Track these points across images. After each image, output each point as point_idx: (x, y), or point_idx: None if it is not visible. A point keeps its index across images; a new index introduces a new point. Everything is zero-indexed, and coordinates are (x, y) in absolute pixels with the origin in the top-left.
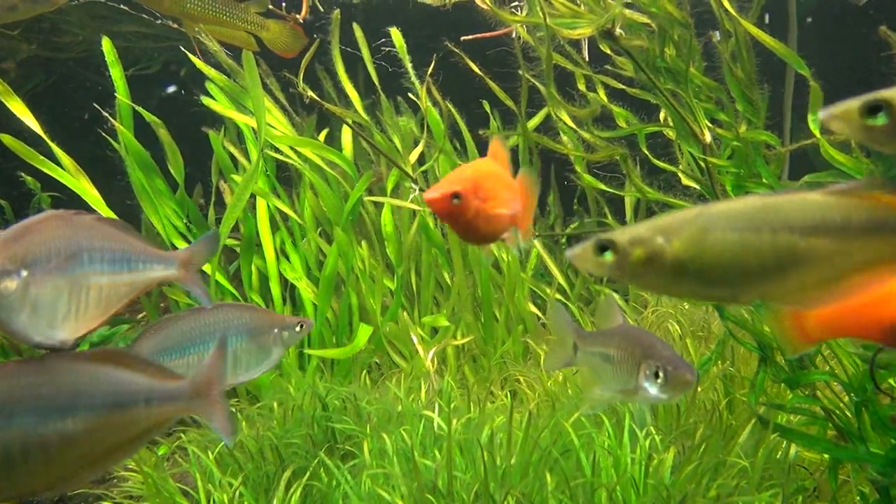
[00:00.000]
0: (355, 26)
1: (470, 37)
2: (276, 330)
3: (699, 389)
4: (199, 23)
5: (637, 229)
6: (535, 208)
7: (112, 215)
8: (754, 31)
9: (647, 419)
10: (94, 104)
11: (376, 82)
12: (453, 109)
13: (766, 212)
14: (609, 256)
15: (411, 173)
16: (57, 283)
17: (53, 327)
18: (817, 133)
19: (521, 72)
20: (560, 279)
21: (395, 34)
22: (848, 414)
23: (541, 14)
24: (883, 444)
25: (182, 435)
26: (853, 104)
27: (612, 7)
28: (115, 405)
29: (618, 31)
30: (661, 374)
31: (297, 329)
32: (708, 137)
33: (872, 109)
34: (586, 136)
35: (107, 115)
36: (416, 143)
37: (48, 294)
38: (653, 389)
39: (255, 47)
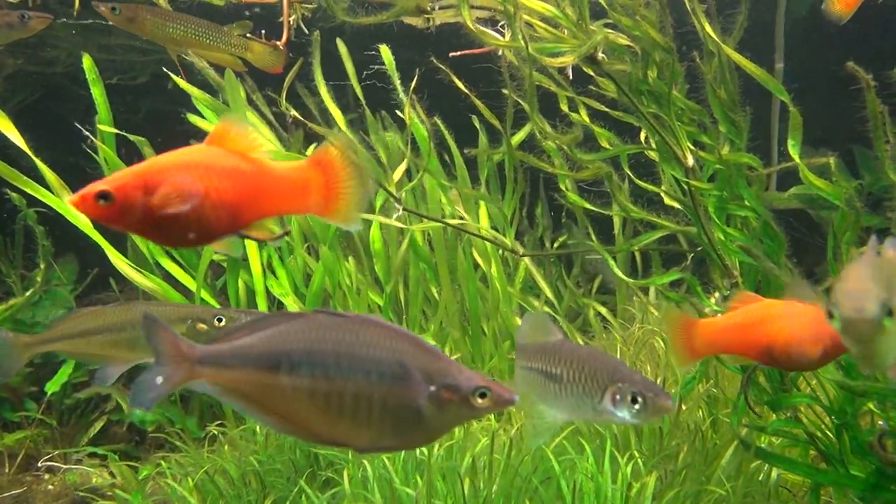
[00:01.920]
0: (339, 42)
1: (458, 53)
2: None
3: (683, 408)
4: (182, 47)
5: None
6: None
7: (98, 236)
8: (735, 56)
9: None
10: (75, 122)
11: (361, 99)
12: (441, 125)
13: None
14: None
15: (398, 190)
16: None
17: None
18: (797, 157)
19: (505, 91)
20: (548, 292)
21: (385, 51)
22: (830, 435)
23: (522, 41)
24: (864, 466)
25: (162, 462)
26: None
27: (595, 34)
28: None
29: (600, 55)
30: (640, 399)
31: None
32: (690, 161)
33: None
34: (571, 154)
35: (87, 132)
36: (405, 159)
37: None
38: (623, 413)
39: (242, 67)
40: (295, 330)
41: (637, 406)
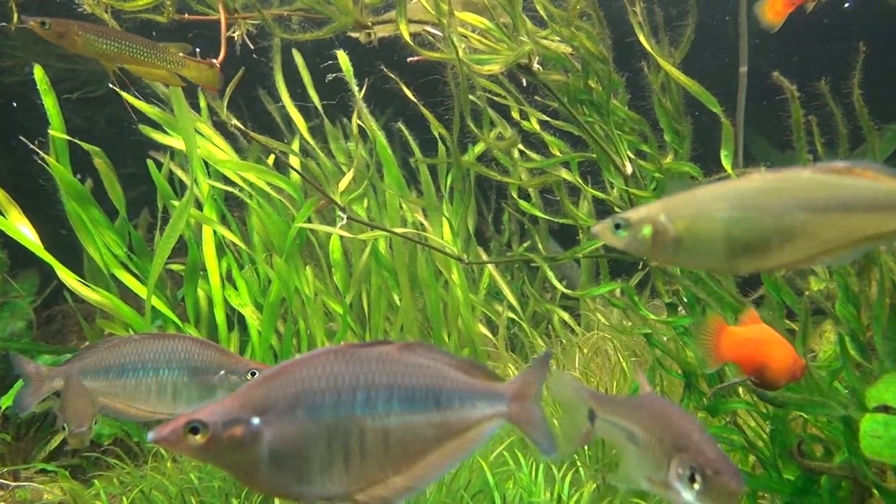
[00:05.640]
0: (295, 52)
1: (415, 58)
2: (222, 372)
3: None
4: (116, 63)
5: (648, 209)
6: None
7: (46, 254)
8: (669, 69)
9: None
10: (33, 131)
11: (318, 106)
12: (406, 132)
13: (762, 193)
14: (623, 233)
15: (357, 197)
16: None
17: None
18: (729, 168)
19: (458, 96)
20: (511, 298)
21: (342, 57)
22: (768, 440)
23: (455, 52)
24: (794, 471)
25: (96, 482)
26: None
27: (525, 44)
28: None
29: (535, 66)
30: (698, 477)
31: (249, 376)
32: (629, 169)
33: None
34: (513, 160)
35: (33, 147)
36: (367, 168)
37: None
38: (686, 494)
39: (181, 83)
40: None
41: (696, 485)
